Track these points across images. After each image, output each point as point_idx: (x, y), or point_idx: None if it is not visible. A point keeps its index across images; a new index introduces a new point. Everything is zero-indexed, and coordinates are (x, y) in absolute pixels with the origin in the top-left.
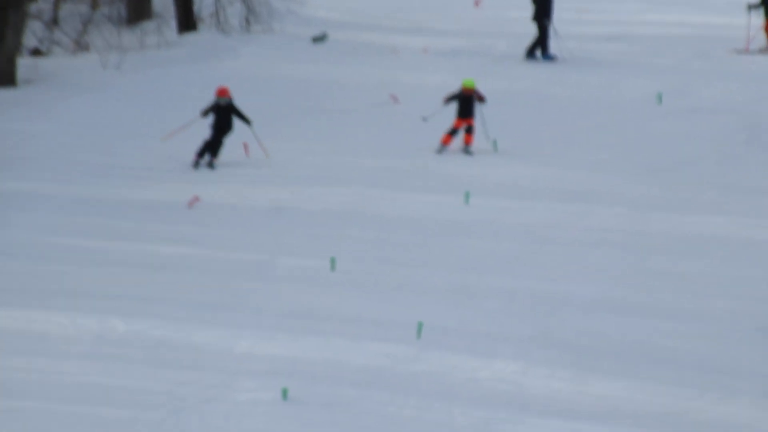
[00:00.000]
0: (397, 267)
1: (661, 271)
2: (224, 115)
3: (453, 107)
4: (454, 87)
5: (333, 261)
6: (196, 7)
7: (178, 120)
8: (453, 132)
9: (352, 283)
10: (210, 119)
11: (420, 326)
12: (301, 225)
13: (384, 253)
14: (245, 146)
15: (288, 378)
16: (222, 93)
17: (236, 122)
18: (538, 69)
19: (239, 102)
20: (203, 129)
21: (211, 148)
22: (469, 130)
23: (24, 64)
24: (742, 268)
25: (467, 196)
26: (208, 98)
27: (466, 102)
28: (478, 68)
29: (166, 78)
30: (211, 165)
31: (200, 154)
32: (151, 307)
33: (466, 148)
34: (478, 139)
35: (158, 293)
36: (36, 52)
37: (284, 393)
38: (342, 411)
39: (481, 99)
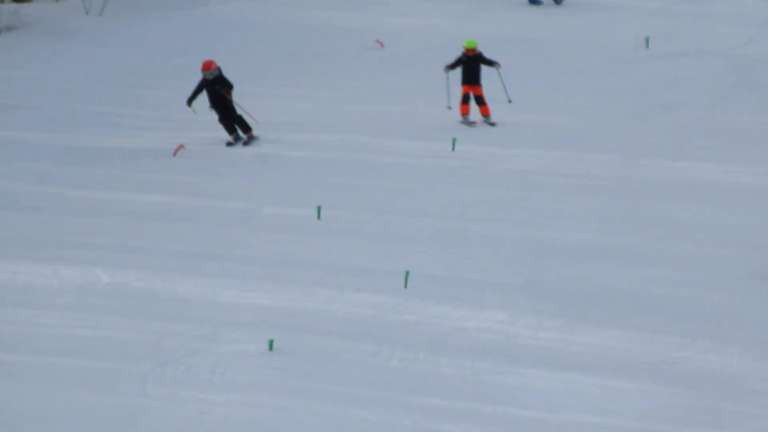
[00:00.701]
0: (383, 215)
1: (650, 217)
2: (215, 89)
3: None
4: (440, 30)
5: (319, 209)
6: None
7: (163, 67)
8: (465, 99)
9: (339, 232)
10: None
11: (407, 275)
12: (287, 172)
13: (370, 200)
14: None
15: (274, 329)
16: (207, 67)
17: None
18: (525, 13)
19: (226, 45)
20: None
21: (239, 124)
22: (480, 101)
23: (6, 10)
24: (732, 214)
25: (454, 142)
26: (196, 45)
27: (471, 64)
28: (465, 13)
29: (149, 24)
30: (250, 139)
31: (230, 132)
32: (135, 258)
33: (487, 120)
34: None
35: (143, 243)
36: None
37: (270, 344)
38: (328, 362)
39: (491, 63)
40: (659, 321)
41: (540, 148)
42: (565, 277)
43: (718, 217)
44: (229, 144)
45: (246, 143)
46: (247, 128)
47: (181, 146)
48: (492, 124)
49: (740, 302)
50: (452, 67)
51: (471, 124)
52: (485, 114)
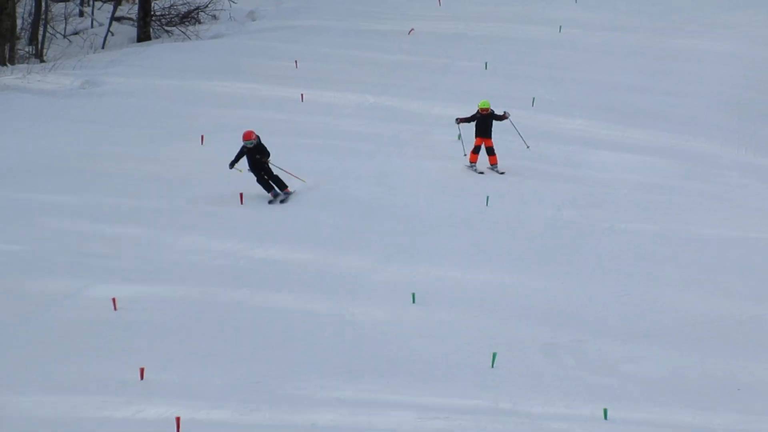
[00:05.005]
0: (511, 65)
1: (669, 71)
2: (254, 156)
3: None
4: None
5: (486, 64)
6: None
7: None
8: (476, 149)
9: (499, 75)
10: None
11: (533, 101)
12: (468, 44)
13: (499, 56)
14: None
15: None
16: (247, 137)
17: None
18: None
19: None
20: None
21: (276, 183)
22: (491, 152)
23: None
24: (720, 70)
25: (560, 28)
26: None
27: (483, 121)
28: None
29: None
30: (286, 195)
31: (269, 190)
32: (387, 89)
33: (494, 167)
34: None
35: (390, 81)
36: None
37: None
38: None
39: (501, 118)
40: (669, 125)
41: (598, 31)
42: (622, 101)
43: (711, 70)
44: (270, 201)
45: (283, 200)
46: (283, 186)
47: (412, 29)
48: (498, 172)
49: (717, 116)
50: (465, 121)
51: (479, 172)
52: (493, 163)
